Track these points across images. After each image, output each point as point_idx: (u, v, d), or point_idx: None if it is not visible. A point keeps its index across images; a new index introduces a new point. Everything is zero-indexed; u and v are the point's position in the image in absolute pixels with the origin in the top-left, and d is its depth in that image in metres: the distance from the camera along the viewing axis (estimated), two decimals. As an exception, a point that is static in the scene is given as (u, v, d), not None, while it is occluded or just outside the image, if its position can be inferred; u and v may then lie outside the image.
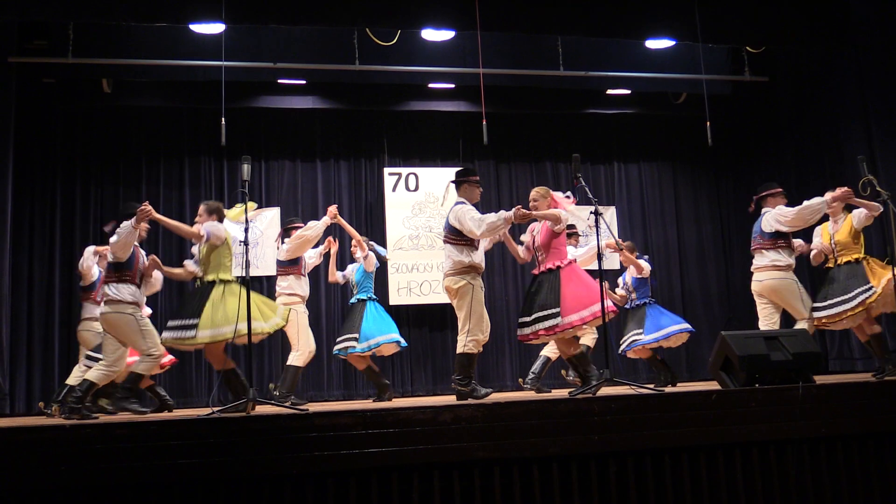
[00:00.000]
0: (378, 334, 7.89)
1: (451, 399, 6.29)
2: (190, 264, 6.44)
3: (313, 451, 4.20)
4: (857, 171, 6.70)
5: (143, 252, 6.66)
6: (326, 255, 8.28)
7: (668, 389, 5.92)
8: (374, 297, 8.16)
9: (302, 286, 7.69)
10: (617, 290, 8.83)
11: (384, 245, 9.47)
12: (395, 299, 10.13)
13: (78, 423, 4.30)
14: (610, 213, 10.79)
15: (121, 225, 6.23)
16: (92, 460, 4.05)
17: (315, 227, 7.58)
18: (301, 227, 7.71)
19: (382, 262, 8.61)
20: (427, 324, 10.35)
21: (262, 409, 5.48)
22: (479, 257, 6.25)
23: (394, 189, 10.54)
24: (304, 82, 10.07)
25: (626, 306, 8.66)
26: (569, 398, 4.82)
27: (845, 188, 6.71)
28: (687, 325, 8.46)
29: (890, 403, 4.90)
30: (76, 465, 4.03)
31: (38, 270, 9.44)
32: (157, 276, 7.13)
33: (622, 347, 8.57)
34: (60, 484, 4.01)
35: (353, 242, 8.14)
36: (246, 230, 5.56)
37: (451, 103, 10.56)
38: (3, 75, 8.74)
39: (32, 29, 8.94)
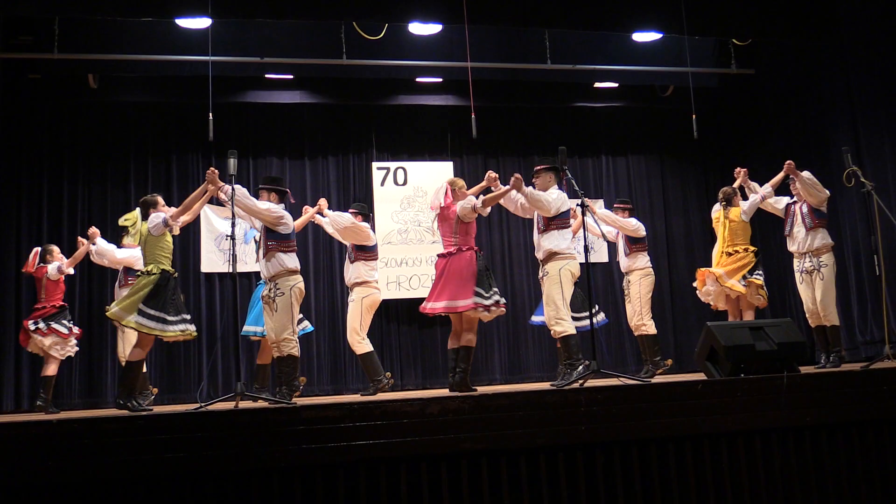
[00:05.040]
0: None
1: (439, 392, 6.31)
2: None
3: (301, 444, 4.22)
4: (842, 163, 6.76)
5: None
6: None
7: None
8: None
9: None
10: None
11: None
12: (384, 293, 10.09)
13: (65, 419, 4.30)
14: (598, 206, 10.80)
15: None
16: (80, 455, 4.05)
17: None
18: None
19: None
20: (416, 318, 10.34)
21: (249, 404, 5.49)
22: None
23: (382, 183, 10.54)
24: (291, 77, 10.06)
25: None
26: (556, 389, 4.84)
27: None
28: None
29: (874, 392, 4.94)
30: (64, 461, 4.03)
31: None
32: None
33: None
34: (48, 479, 4.01)
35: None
36: (233, 225, 5.56)
37: (439, 97, 10.56)
38: (-12, 71, 8.71)
39: (17, 24, 8.88)
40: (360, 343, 7.74)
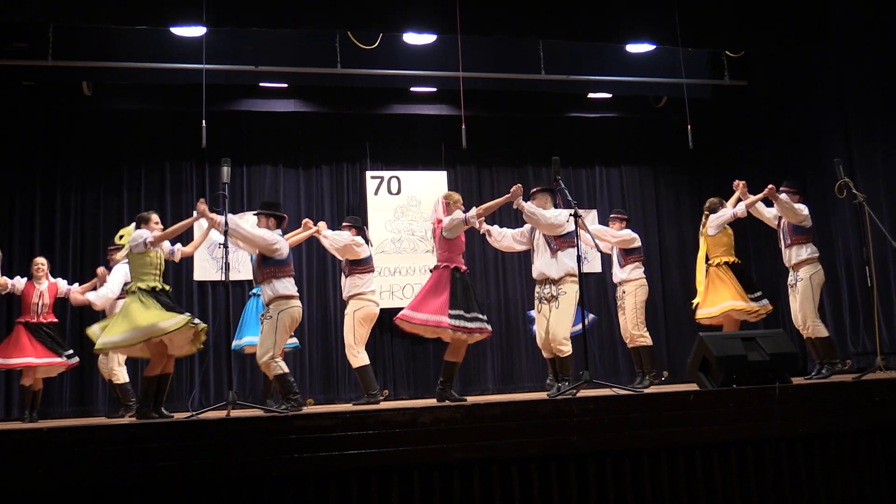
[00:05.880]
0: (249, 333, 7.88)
1: (432, 402, 6.30)
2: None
3: (293, 452, 4.21)
4: (834, 174, 6.79)
5: None
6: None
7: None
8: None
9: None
10: None
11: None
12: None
13: (56, 427, 4.29)
14: (591, 217, 10.83)
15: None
16: (71, 463, 4.03)
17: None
18: None
19: None
20: (410, 327, 10.34)
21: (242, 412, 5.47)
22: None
23: (376, 192, 10.53)
24: (285, 86, 10.05)
25: None
26: (548, 399, 4.84)
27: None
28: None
29: (866, 403, 4.96)
30: (55, 469, 4.02)
31: (17, 275, 9.37)
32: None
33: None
34: (39, 487, 3.99)
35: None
36: (226, 233, 5.56)
37: (433, 107, 10.58)
38: (-18, 78, 8.70)
39: (11, 31, 8.86)
40: (356, 357, 7.72)
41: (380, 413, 4.38)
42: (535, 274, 6.70)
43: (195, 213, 6.30)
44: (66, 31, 8.79)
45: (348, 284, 7.81)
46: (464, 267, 6.52)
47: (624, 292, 8.20)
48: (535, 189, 6.79)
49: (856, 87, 8.94)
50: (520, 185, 6.53)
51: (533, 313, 7.08)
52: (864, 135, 8.80)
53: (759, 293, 7.69)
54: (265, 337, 6.17)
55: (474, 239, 9.80)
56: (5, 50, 8.92)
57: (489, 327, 6.43)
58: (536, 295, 6.67)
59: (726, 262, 7.74)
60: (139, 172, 10.10)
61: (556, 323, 6.41)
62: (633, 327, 8.13)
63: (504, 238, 6.94)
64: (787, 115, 10.14)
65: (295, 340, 8.36)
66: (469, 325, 6.22)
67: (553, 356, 6.56)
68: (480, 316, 6.35)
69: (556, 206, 6.75)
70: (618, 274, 8.31)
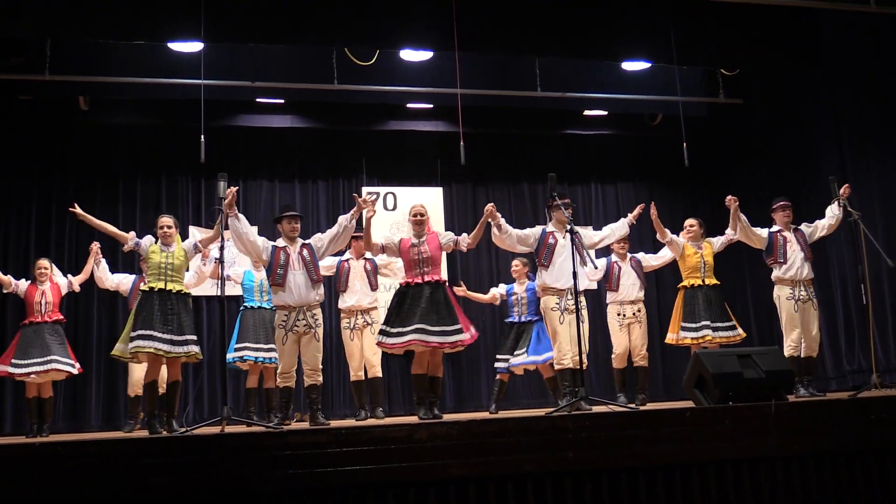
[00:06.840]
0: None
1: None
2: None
3: (288, 469, 4.18)
4: (829, 192, 6.81)
5: None
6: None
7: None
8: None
9: None
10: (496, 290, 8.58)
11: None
12: (372, 318, 10.09)
13: (49, 441, 4.26)
14: (587, 232, 10.82)
15: None
16: (64, 478, 4.01)
17: None
18: None
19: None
20: (405, 343, 10.30)
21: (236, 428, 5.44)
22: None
23: (372, 208, 10.53)
24: (282, 101, 10.09)
25: (515, 319, 8.29)
26: (544, 416, 4.83)
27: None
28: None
29: (862, 421, 4.95)
30: (47, 484, 3.99)
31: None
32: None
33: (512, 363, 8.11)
34: (31, 502, 3.96)
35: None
36: (221, 248, 5.55)
37: (430, 123, 10.61)
38: (-21, 93, 8.70)
39: (8, 45, 8.87)
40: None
41: (375, 429, 4.36)
42: (555, 282, 6.65)
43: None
44: (63, 45, 8.81)
45: (372, 297, 8.03)
46: (416, 279, 6.40)
47: (639, 310, 8.26)
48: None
49: (850, 106, 9.00)
50: (492, 204, 6.68)
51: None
52: (859, 153, 8.84)
53: (703, 323, 7.70)
54: (321, 344, 6.64)
55: (470, 254, 9.81)
56: (2, 64, 8.92)
57: (416, 338, 6.14)
58: (555, 305, 6.63)
59: (691, 286, 7.83)
60: (135, 186, 10.10)
61: (574, 340, 6.36)
62: (643, 346, 8.21)
63: (509, 237, 6.72)
64: (782, 133, 10.18)
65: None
66: (388, 339, 6.26)
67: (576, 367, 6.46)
68: (405, 329, 6.17)
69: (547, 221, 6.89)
70: (638, 293, 8.32)
